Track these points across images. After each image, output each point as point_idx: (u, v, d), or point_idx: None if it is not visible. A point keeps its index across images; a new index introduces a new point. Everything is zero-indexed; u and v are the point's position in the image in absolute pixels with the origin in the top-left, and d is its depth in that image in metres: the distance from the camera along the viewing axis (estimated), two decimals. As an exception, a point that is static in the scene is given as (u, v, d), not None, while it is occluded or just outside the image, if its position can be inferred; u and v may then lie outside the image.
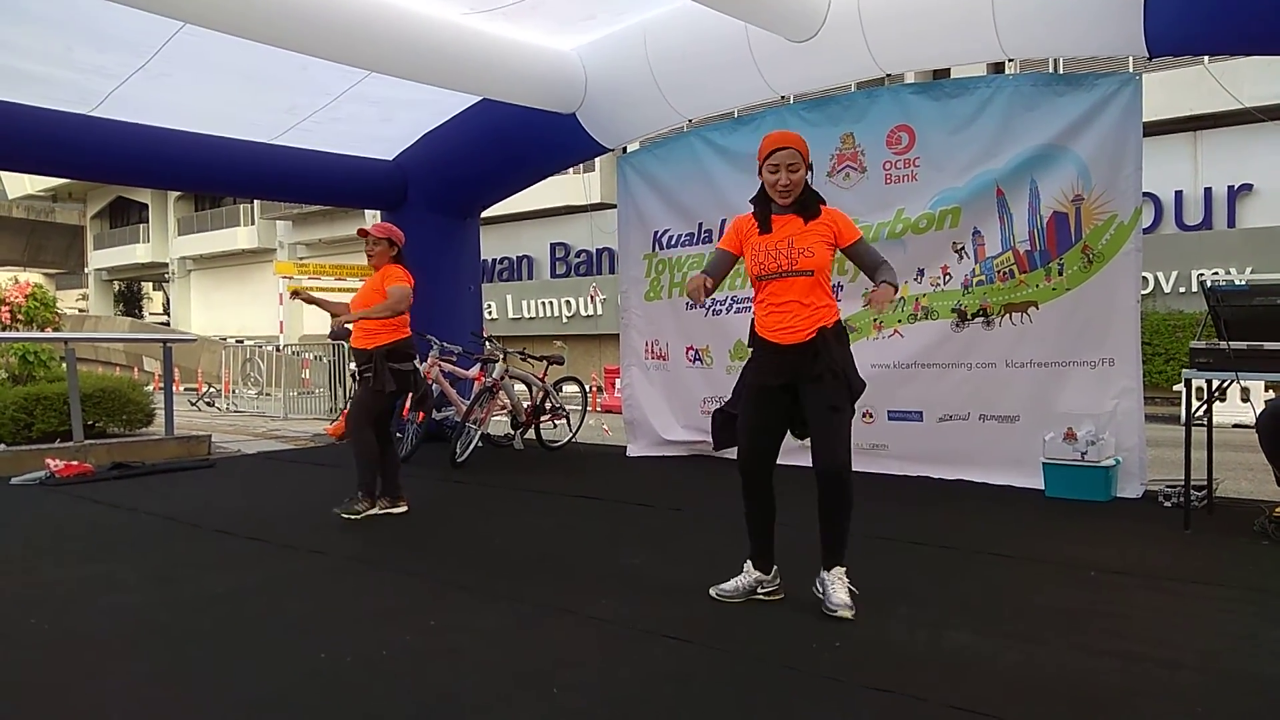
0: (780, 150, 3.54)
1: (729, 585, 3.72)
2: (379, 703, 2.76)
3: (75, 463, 7.33)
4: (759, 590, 3.69)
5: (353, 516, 5.34)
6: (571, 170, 21.77)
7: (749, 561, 3.72)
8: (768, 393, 3.58)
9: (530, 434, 8.67)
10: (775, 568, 3.71)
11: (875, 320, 6.69)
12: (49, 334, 10.33)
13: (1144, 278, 15.29)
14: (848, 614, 3.42)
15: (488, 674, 2.99)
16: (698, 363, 7.77)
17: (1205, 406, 5.09)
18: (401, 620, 3.55)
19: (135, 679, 2.99)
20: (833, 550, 3.57)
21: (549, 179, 10.61)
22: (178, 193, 36.67)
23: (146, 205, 38.56)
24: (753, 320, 3.66)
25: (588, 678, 2.95)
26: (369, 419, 5.51)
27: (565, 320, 24.07)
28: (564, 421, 8.92)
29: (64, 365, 8.82)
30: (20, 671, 3.07)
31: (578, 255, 24.65)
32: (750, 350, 3.72)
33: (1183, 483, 5.10)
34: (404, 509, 5.58)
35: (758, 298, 3.64)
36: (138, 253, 38.88)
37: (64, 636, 3.42)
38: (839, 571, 3.56)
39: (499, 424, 8.97)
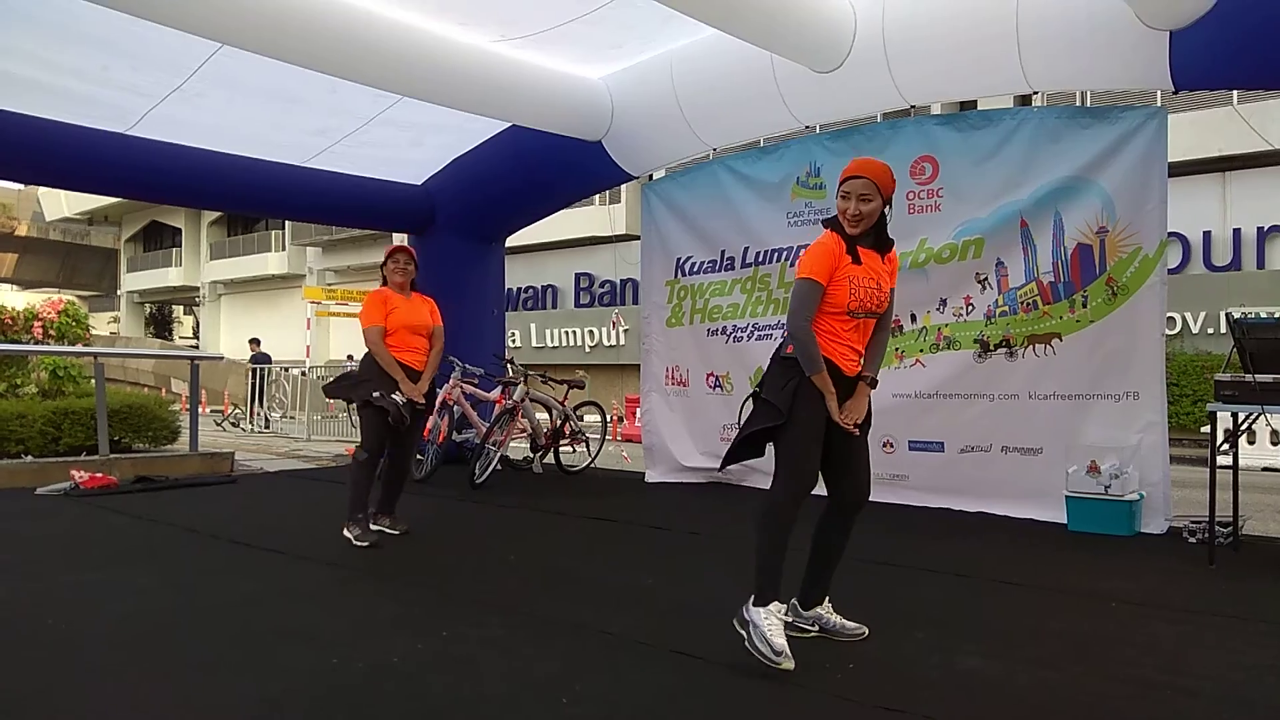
0: (854, 179, 3.31)
1: (779, 636, 3.13)
2: (389, 705, 2.76)
3: (100, 475, 7.41)
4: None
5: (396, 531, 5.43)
6: (597, 201, 21.99)
7: (775, 600, 3.21)
8: (824, 421, 3.31)
9: (549, 458, 8.69)
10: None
11: (896, 349, 6.67)
12: (78, 349, 10.47)
13: (1171, 318, 15.19)
14: (864, 630, 3.42)
15: (498, 682, 2.98)
16: (718, 389, 7.77)
17: (1230, 440, 5.03)
18: (413, 630, 3.55)
19: (147, 677, 3.01)
20: (828, 583, 3.49)
21: (574, 210, 10.73)
22: (210, 218, 37.33)
23: (180, 230, 39.19)
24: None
25: (597, 690, 2.93)
26: None
27: (588, 350, 24.14)
28: (583, 446, 8.92)
29: (93, 382, 8.95)
30: (35, 668, 3.10)
31: (601, 286, 24.77)
32: (794, 378, 3.29)
33: (1207, 519, 5.02)
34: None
35: (831, 327, 3.33)
36: (170, 276, 39.48)
37: (79, 636, 3.45)
38: (829, 604, 3.51)
39: (517, 450, 9.00)
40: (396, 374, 5.26)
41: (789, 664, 3.04)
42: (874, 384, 3.42)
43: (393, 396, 5.19)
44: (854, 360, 3.39)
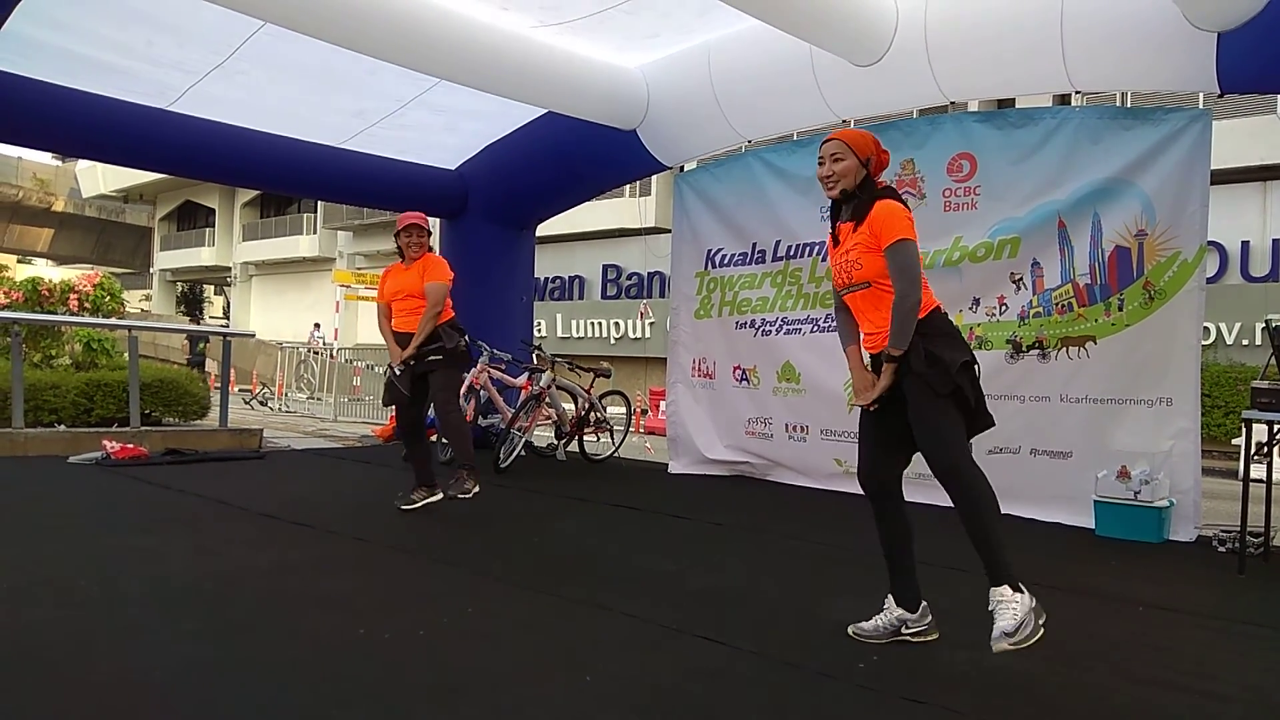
0: (825, 143, 3.30)
1: (868, 625, 3.38)
2: (415, 673, 2.78)
3: (131, 446, 7.51)
4: (904, 630, 3.34)
5: (466, 495, 5.47)
6: (627, 193, 21.97)
7: (890, 597, 3.38)
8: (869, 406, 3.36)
9: (573, 446, 8.71)
10: (924, 604, 3.37)
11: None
12: (113, 321, 10.60)
13: (1206, 328, 14.94)
14: (1006, 645, 2.93)
15: (522, 656, 3.00)
16: (744, 383, 7.75)
17: (1265, 449, 4.95)
18: (439, 604, 3.58)
19: (173, 638, 3.05)
20: (984, 563, 3.15)
21: (604, 201, 10.74)
22: (244, 199, 37.64)
23: (214, 210, 39.56)
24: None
25: (620, 668, 2.94)
26: (458, 396, 5.78)
27: (613, 341, 24.15)
28: (608, 435, 8.94)
29: (125, 356, 9.07)
30: (70, 626, 3.15)
31: (629, 278, 24.75)
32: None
33: (1238, 529, 4.96)
34: (439, 497, 5.63)
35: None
36: (202, 256, 39.87)
37: (109, 597, 3.50)
38: (999, 592, 3.07)
39: (542, 438, 9.02)
40: (389, 346, 5.55)
41: (852, 632, 3.36)
42: (891, 359, 3.21)
43: (394, 368, 5.48)
44: (875, 338, 3.34)
